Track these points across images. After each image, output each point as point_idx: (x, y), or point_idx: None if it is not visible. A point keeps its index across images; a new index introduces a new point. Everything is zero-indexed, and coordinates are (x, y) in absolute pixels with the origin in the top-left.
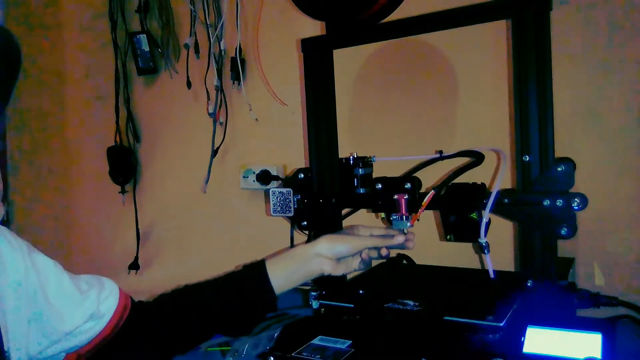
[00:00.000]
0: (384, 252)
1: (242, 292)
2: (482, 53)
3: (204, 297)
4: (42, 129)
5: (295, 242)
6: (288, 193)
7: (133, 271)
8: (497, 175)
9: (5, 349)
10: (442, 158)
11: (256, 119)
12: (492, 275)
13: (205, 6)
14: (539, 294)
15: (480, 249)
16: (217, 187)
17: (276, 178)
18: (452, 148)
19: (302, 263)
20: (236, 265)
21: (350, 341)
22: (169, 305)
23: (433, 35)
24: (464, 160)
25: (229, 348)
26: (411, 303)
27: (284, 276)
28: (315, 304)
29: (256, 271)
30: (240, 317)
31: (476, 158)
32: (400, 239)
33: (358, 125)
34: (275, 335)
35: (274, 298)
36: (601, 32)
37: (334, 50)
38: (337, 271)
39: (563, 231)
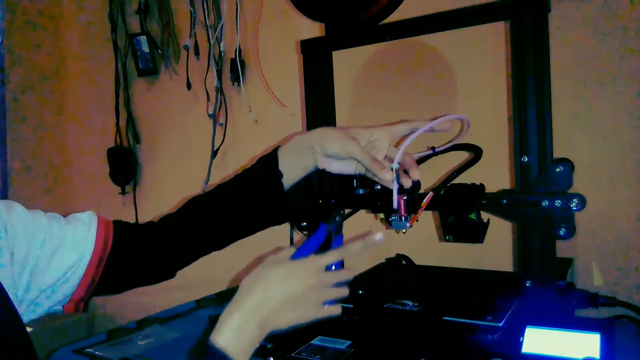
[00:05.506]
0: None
1: (247, 186)
2: (481, 54)
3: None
4: (42, 131)
5: (295, 243)
6: None
7: None
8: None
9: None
10: (436, 153)
11: (256, 120)
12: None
13: (205, 8)
14: (537, 294)
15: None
16: None
17: None
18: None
19: (299, 155)
20: (235, 265)
21: (350, 341)
22: (172, 216)
23: (432, 37)
24: (462, 158)
25: None
26: (410, 303)
27: (287, 169)
28: None
29: (266, 164)
30: (248, 211)
31: (474, 153)
32: (387, 176)
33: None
34: None
35: (281, 189)
36: (600, 31)
37: (333, 52)
38: (332, 168)
39: (562, 232)
